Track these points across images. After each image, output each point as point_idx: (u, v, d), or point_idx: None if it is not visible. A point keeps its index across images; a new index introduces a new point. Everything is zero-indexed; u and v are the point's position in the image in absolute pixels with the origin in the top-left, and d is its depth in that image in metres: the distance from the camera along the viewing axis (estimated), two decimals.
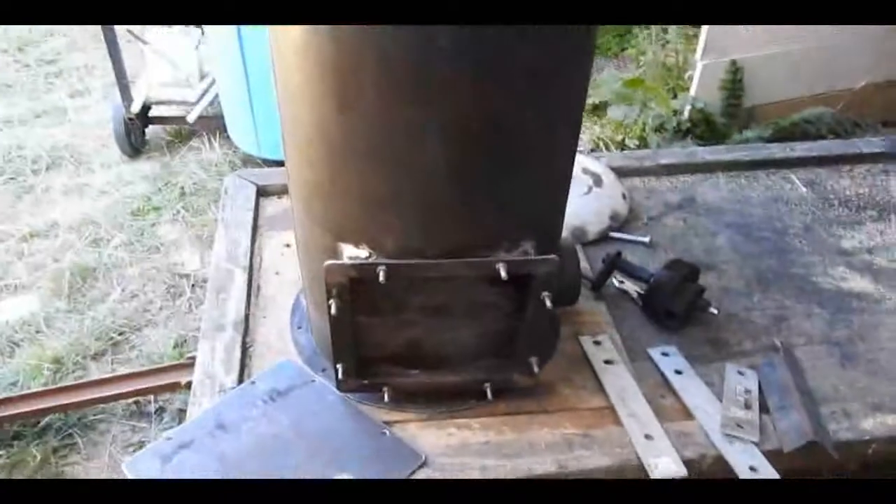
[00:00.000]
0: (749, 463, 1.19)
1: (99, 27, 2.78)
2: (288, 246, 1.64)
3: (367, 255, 1.10)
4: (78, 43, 3.98)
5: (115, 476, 1.83)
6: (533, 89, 0.99)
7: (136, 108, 2.80)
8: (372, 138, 1.00)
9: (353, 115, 0.99)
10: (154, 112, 2.94)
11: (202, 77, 2.86)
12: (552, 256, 1.09)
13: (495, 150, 1.02)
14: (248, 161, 2.79)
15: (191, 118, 2.77)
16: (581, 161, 1.82)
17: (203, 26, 2.69)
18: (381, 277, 1.05)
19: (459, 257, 1.08)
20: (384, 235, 1.09)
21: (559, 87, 1.03)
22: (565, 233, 1.65)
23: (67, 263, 2.39)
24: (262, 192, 1.82)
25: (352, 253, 1.10)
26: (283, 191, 1.79)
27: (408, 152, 1.00)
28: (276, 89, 1.10)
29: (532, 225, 1.14)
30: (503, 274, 1.06)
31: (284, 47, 1.01)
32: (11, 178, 2.84)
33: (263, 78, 0.99)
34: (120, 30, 4.24)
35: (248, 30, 2.35)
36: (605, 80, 2.76)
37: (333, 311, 1.08)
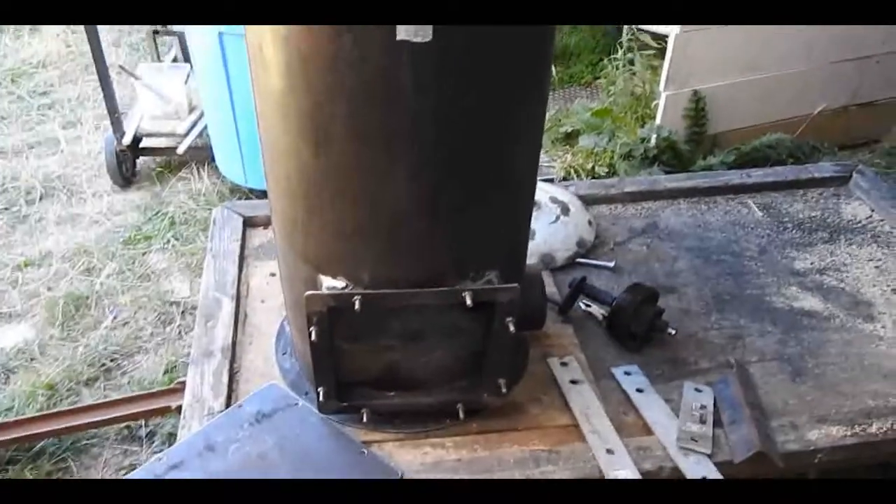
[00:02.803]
0: (702, 474, 1.28)
1: (91, 60, 2.87)
2: (273, 275, 1.73)
3: (344, 285, 1.20)
4: (70, 75, 4.08)
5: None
6: (491, 131, 1.09)
7: (127, 140, 2.89)
8: (345, 179, 1.11)
9: (326, 158, 1.09)
10: (145, 143, 3.04)
11: (191, 109, 2.96)
12: (514, 285, 1.19)
13: (458, 188, 1.12)
14: (236, 191, 2.89)
15: (180, 150, 2.87)
16: (550, 191, 1.93)
17: (192, 61, 2.79)
18: (357, 306, 1.15)
19: (429, 287, 1.17)
20: (359, 267, 1.19)
21: (516, 127, 1.14)
22: (535, 259, 1.77)
23: (61, 292, 2.47)
24: (248, 224, 1.92)
25: (330, 284, 1.20)
26: (268, 222, 1.88)
27: (377, 191, 1.11)
28: (259, 134, 1.21)
29: (496, 255, 1.24)
30: (468, 301, 1.16)
31: (265, 99, 1.12)
32: (6, 209, 2.92)
33: (249, 111, 1.07)
34: (111, 59, 4.35)
35: (234, 64, 2.46)
36: (576, 110, 2.90)
37: (313, 337, 1.17)
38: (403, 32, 0.89)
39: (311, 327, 1.17)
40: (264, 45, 1.03)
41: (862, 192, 2.05)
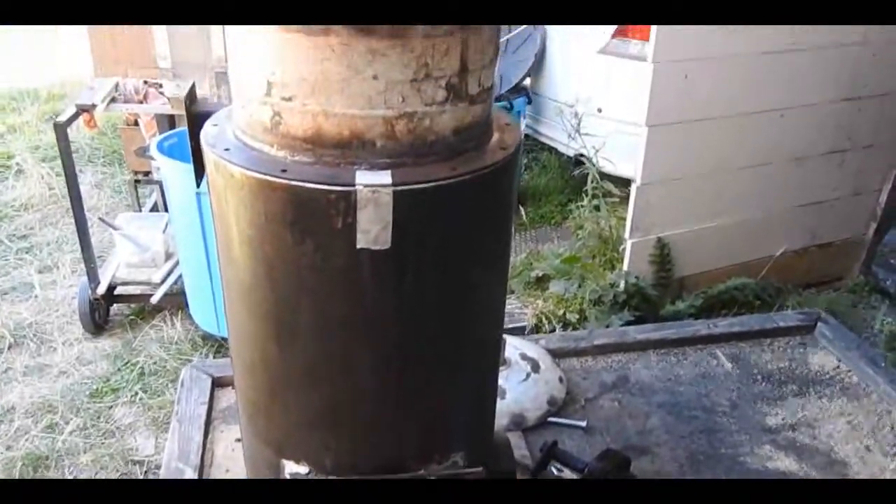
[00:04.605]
0: None
1: (69, 205, 2.91)
2: (239, 440, 1.68)
3: (308, 471, 1.17)
4: (50, 218, 4.14)
5: None
6: (453, 318, 1.12)
7: (101, 289, 2.90)
8: (308, 368, 1.11)
9: (291, 349, 1.10)
10: (119, 291, 3.04)
11: (168, 257, 3.00)
12: (479, 469, 1.17)
13: (422, 374, 1.13)
14: (208, 339, 2.87)
15: (154, 299, 2.88)
16: (520, 346, 1.94)
17: (170, 211, 2.86)
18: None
19: (392, 472, 1.15)
20: (322, 453, 1.17)
21: (478, 310, 1.16)
22: (505, 420, 1.75)
23: (20, 452, 2.38)
24: (217, 384, 1.89)
25: (293, 469, 1.17)
26: None
27: (340, 380, 1.11)
28: (225, 313, 1.22)
29: (460, 436, 1.23)
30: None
31: (231, 288, 1.14)
32: None
33: None
34: (93, 201, 4.43)
35: (210, 220, 2.51)
36: (546, 255, 2.98)
37: None
38: (363, 241, 0.93)
39: None
40: (231, 244, 1.06)
41: (827, 341, 2.09)
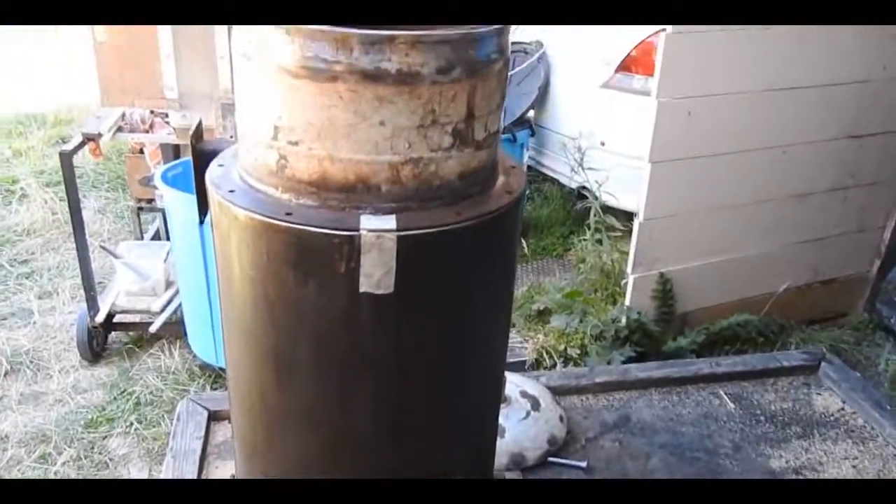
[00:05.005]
0: None
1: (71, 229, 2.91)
2: (234, 477, 1.66)
3: None
4: (52, 243, 4.14)
5: None
6: (454, 360, 1.10)
7: (100, 318, 2.88)
8: (306, 408, 1.10)
9: (289, 389, 1.08)
10: (118, 319, 3.03)
11: (168, 285, 2.98)
12: None
13: (421, 414, 1.11)
14: (206, 369, 2.85)
15: (153, 328, 2.86)
16: (520, 384, 1.92)
17: (171, 239, 2.85)
18: None
19: None
20: None
21: (479, 352, 1.15)
22: (505, 459, 1.72)
23: None
24: (213, 417, 1.87)
25: None
26: None
27: (339, 421, 1.09)
28: (225, 357, 1.21)
29: (461, 475, 1.21)
30: None
31: (231, 325, 1.13)
32: None
33: None
34: (95, 227, 4.44)
35: (212, 252, 2.51)
36: (547, 288, 2.97)
37: None
38: (366, 285, 0.92)
39: None
40: (232, 282, 1.05)
41: (832, 381, 2.07)
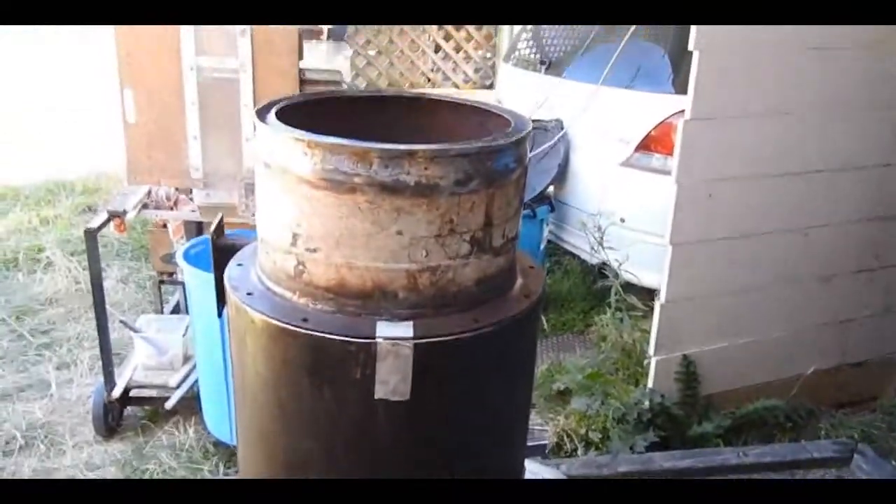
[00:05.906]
0: None
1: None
2: None
3: None
4: (74, 313, 4.18)
5: None
6: (469, 462, 1.07)
7: (117, 393, 2.87)
8: None
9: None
10: (135, 393, 3.02)
11: (186, 360, 2.98)
12: None
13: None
14: (220, 447, 2.81)
15: (169, 404, 2.84)
16: (538, 472, 1.86)
17: (189, 317, 2.87)
18: None
19: None
20: None
21: (493, 460, 1.12)
22: None
23: None
24: None
25: None
26: None
27: None
28: (238, 455, 1.19)
29: None
30: None
31: (245, 427, 1.11)
32: None
33: None
34: (117, 296, 4.48)
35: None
36: (568, 367, 2.92)
37: None
38: (381, 392, 0.90)
39: None
40: (246, 382, 1.04)
41: (864, 475, 1.98)
